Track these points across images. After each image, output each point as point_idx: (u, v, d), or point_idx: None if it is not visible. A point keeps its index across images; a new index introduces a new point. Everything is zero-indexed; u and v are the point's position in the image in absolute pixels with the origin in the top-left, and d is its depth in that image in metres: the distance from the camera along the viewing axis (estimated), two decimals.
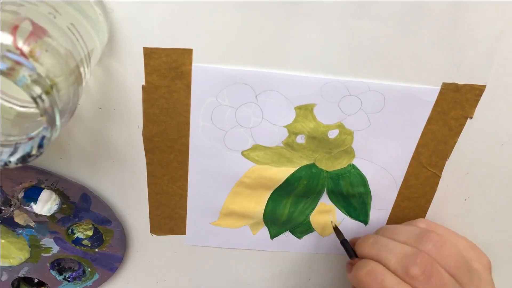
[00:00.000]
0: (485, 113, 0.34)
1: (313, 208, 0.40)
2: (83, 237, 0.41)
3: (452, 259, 0.33)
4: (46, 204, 0.38)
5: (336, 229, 0.40)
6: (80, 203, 0.38)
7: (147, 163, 0.36)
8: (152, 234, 0.42)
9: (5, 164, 0.23)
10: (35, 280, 0.45)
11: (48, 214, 0.38)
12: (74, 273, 0.44)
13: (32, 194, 0.38)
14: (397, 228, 0.36)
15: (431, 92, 0.33)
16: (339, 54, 0.31)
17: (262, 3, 0.29)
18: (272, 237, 0.42)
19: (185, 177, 0.38)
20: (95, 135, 0.35)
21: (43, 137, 0.22)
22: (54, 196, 0.38)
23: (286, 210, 0.40)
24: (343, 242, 0.39)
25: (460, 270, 0.33)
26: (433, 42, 0.31)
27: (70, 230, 0.40)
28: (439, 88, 0.33)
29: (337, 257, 0.45)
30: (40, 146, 0.22)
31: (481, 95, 0.33)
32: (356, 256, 0.37)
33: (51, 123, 0.22)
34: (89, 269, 0.43)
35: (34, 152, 0.23)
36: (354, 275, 0.34)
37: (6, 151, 0.23)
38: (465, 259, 0.34)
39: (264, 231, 0.42)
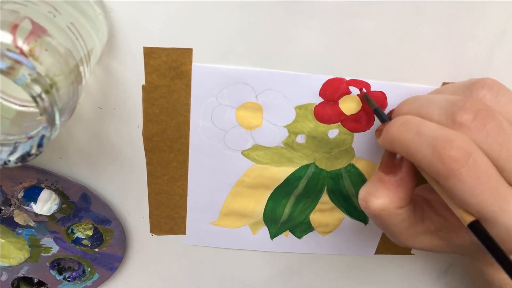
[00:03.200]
0: None
1: (313, 208, 0.40)
2: (83, 237, 0.41)
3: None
4: (46, 203, 0.38)
5: (366, 98, 0.33)
6: (80, 203, 0.38)
7: (147, 163, 0.36)
8: (152, 234, 0.42)
9: (5, 163, 0.23)
10: (35, 280, 0.45)
11: (48, 214, 0.38)
12: (74, 273, 0.44)
13: (32, 194, 0.38)
14: (444, 86, 0.31)
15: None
16: (339, 54, 0.31)
17: (262, 2, 0.29)
18: (272, 237, 0.42)
19: (185, 177, 0.38)
20: (95, 135, 0.35)
21: (42, 136, 0.22)
22: (54, 195, 0.38)
23: (286, 209, 0.40)
24: (377, 110, 0.32)
25: None
26: (433, 41, 0.31)
27: (70, 229, 0.40)
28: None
29: (338, 257, 0.45)
30: (40, 145, 0.22)
31: None
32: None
33: (51, 122, 0.22)
34: (89, 269, 0.43)
35: (33, 151, 0.23)
36: (385, 134, 0.28)
37: (6, 150, 0.23)
38: None
39: (264, 231, 0.42)
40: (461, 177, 0.24)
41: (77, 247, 0.41)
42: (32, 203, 0.38)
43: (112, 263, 0.43)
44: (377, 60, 0.31)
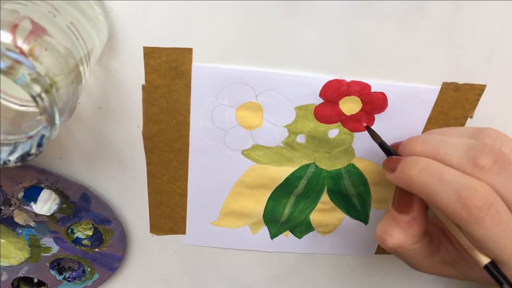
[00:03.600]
0: (485, 113, 0.34)
1: (313, 208, 0.40)
2: (83, 237, 0.41)
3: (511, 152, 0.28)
4: (45, 203, 0.38)
5: (370, 131, 0.34)
6: (80, 203, 0.38)
7: (147, 163, 0.36)
8: (152, 234, 0.42)
9: (5, 163, 0.23)
10: (35, 280, 0.45)
11: (48, 214, 0.38)
12: (74, 273, 0.44)
13: (32, 194, 0.38)
14: (446, 129, 0.32)
15: (431, 91, 0.33)
16: (339, 54, 0.31)
17: (262, 2, 0.29)
18: (272, 237, 0.42)
19: (185, 177, 0.38)
20: (95, 135, 0.35)
21: (42, 136, 0.22)
22: (54, 195, 0.38)
23: (286, 209, 0.40)
24: (382, 144, 0.33)
25: None
26: (433, 41, 0.31)
27: (70, 229, 0.40)
28: (439, 87, 0.33)
29: (337, 257, 0.45)
30: (40, 145, 0.22)
31: (481, 94, 0.33)
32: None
33: (51, 122, 0.22)
34: (89, 269, 0.43)
35: (33, 151, 0.23)
36: (403, 174, 0.29)
37: (6, 150, 0.23)
38: None
39: (264, 231, 0.42)
40: (484, 224, 0.26)
41: (77, 247, 0.41)
42: (32, 203, 0.38)
43: (112, 263, 0.43)
44: (377, 60, 0.31)
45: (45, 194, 0.38)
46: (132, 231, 0.42)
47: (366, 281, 0.47)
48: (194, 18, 0.29)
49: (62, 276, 0.44)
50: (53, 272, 0.44)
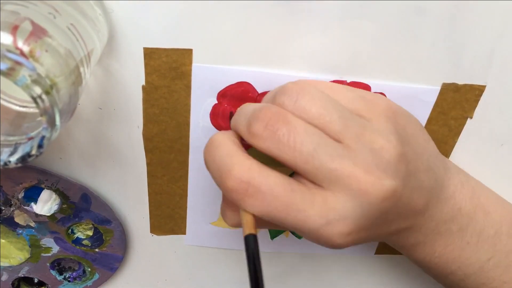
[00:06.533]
0: (485, 113, 0.34)
1: None
2: (83, 237, 0.41)
3: (314, 105, 0.26)
4: (46, 204, 0.38)
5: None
6: (80, 203, 0.38)
7: (147, 163, 0.37)
8: (152, 234, 0.42)
9: (5, 164, 0.23)
10: (35, 280, 0.45)
11: (48, 214, 0.38)
12: (74, 273, 0.44)
13: (32, 194, 0.38)
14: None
15: (431, 92, 0.33)
16: (339, 54, 0.31)
17: (262, 3, 0.29)
18: (272, 237, 0.42)
19: (185, 177, 0.38)
20: (95, 135, 0.35)
21: (42, 137, 0.22)
22: (54, 196, 0.38)
23: None
24: None
25: (327, 117, 0.25)
26: (433, 42, 0.31)
27: (70, 230, 0.40)
28: (439, 88, 0.33)
29: (337, 257, 0.45)
30: (40, 146, 0.23)
31: (481, 95, 0.33)
32: None
33: (51, 123, 0.22)
34: (89, 269, 0.43)
35: (33, 152, 0.23)
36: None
37: (6, 151, 0.23)
38: (337, 103, 0.26)
39: (264, 231, 0.42)
40: (247, 204, 0.25)
41: (78, 247, 0.41)
42: (32, 204, 0.38)
43: (113, 263, 0.43)
44: (377, 60, 0.31)
45: (45, 195, 0.38)
46: (133, 232, 0.42)
47: (366, 281, 0.47)
48: (194, 18, 0.29)
49: (62, 276, 0.44)
50: (53, 272, 0.44)
